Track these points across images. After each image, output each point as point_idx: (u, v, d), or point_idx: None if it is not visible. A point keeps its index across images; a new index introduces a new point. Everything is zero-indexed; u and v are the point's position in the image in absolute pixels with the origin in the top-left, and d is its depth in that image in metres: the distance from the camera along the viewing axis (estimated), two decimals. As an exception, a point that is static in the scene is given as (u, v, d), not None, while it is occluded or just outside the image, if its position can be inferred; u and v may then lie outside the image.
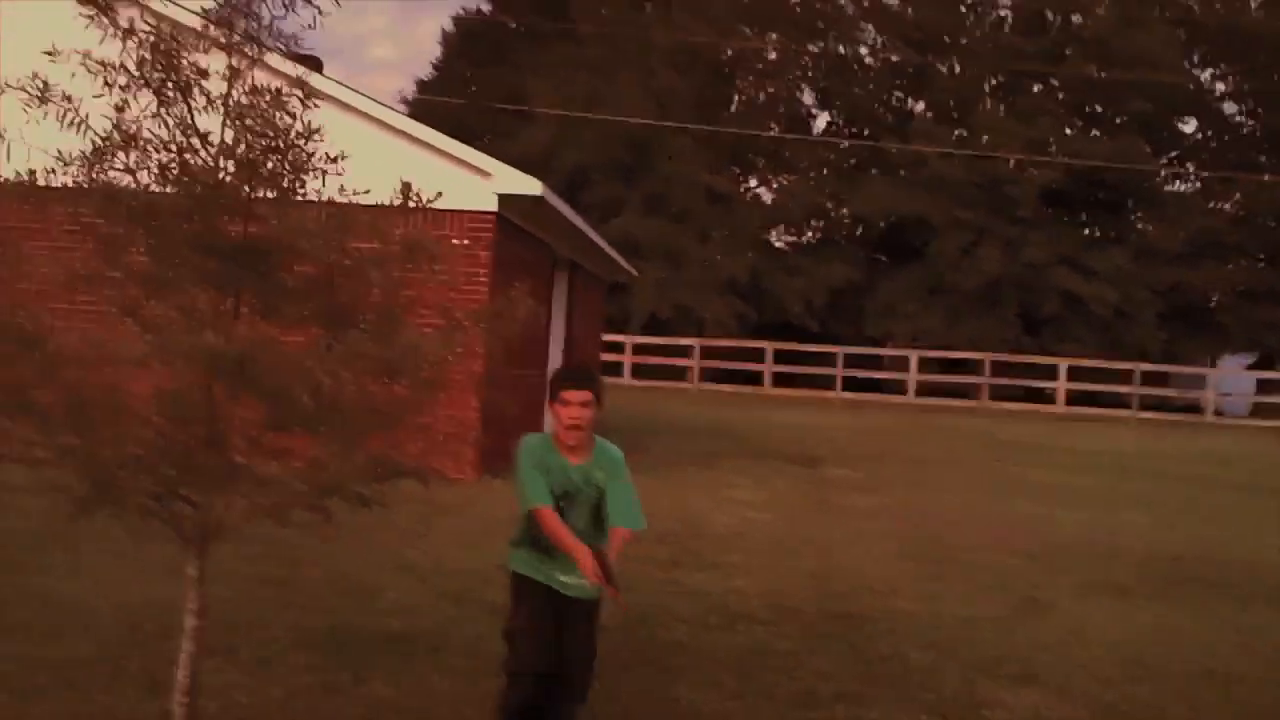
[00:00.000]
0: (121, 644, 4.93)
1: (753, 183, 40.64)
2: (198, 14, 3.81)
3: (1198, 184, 37.57)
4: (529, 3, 41.10)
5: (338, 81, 10.45)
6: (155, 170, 3.66)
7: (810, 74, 39.08)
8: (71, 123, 3.69)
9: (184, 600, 3.70)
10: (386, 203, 3.77)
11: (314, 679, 4.63)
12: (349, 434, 3.44)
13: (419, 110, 40.64)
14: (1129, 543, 9.34)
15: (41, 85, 3.71)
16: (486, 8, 44.10)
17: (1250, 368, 35.81)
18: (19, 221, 4.24)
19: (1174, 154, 38.02)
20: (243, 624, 5.10)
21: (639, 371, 28.84)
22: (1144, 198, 36.68)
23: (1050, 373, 28.23)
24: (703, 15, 36.48)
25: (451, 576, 6.41)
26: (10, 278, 3.84)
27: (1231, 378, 33.69)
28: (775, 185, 39.96)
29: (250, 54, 3.64)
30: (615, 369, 27.46)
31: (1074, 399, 27.88)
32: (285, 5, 3.82)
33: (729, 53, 38.02)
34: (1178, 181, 38.13)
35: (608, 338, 25.33)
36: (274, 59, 3.73)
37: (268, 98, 3.63)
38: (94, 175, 3.65)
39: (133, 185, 3.64)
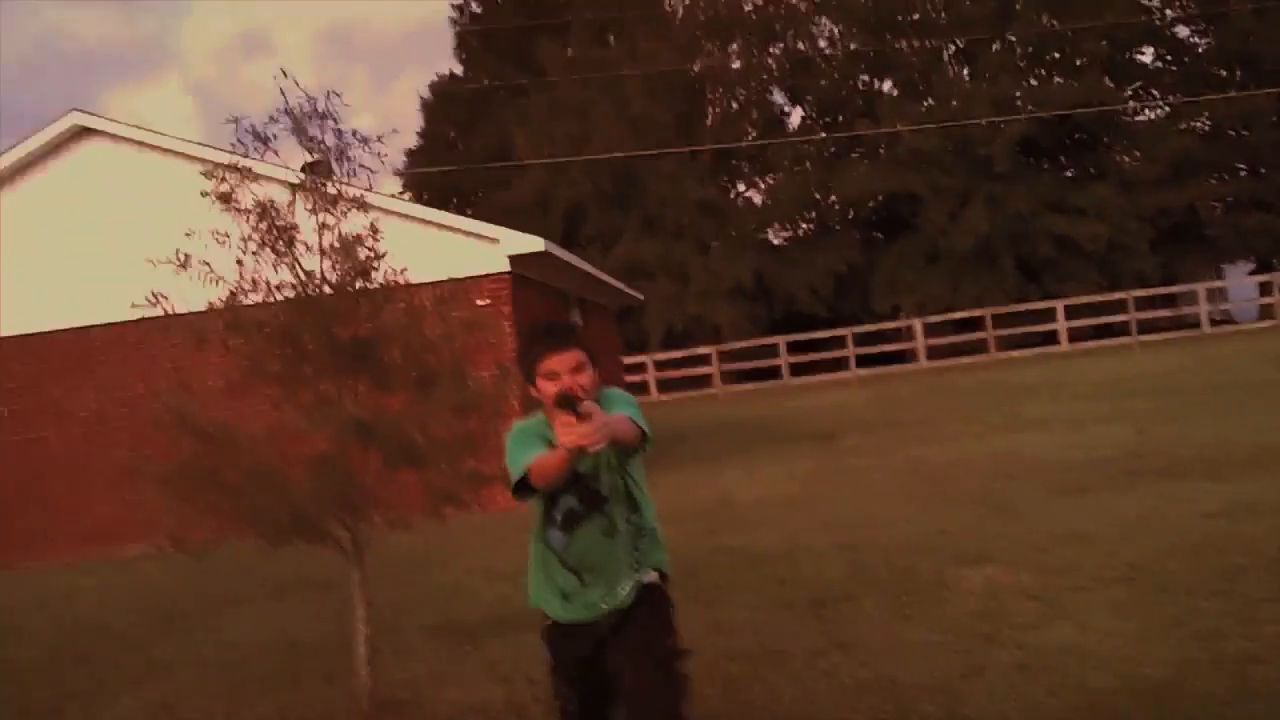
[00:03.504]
0: (295, 660, 6.50)
1: (741, 188, 42.23)
2: (290, 184, 5.40)
3: (1165, 109, 38.79)
4: (498, 58, 42.94)
5: (370, 190, 12.18)
6: (279, 301, 5.23)
7: (777, 75, 40.65)
8: (209, 281, 5.30)
9: (353, 596, 5.28)
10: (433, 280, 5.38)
11: (443, 653, 6.19)
12: (449, 457, 4.99)
13: (413, 180, 42.52)
14: (1102, 452, 10.72)
15: (183, 257, 5.34)
16: (458, 70, 46.08)
17: (1251, 274, 36.87)
18: (183, 347, 5.85)
19: (1137, 85, 39.25)
20: (378, 628, 6.62)
21: (664, 386, 30.29)
22: (1116, 131, 38.07)
23: (1049, 315, 29.40)
24: (665, 39, 38.22)
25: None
26: (189, 390, 5.40)
27: (1234, 287, 34.76)
28: (763, 186, 41.55)
29: (334, 212, 5.20)
30: (641, 388, 28.94)
31: (1076, 336, 29.04)
32: (348, 172, 5.44)
33: (696, 69, 39.64)
34: (1146, 110, 39.40)
35: (628, 359, 26.84)
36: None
37: (350, 239, 5.23)
38: (233, 311, 5.23)
39: (263, 316, 5.22)
